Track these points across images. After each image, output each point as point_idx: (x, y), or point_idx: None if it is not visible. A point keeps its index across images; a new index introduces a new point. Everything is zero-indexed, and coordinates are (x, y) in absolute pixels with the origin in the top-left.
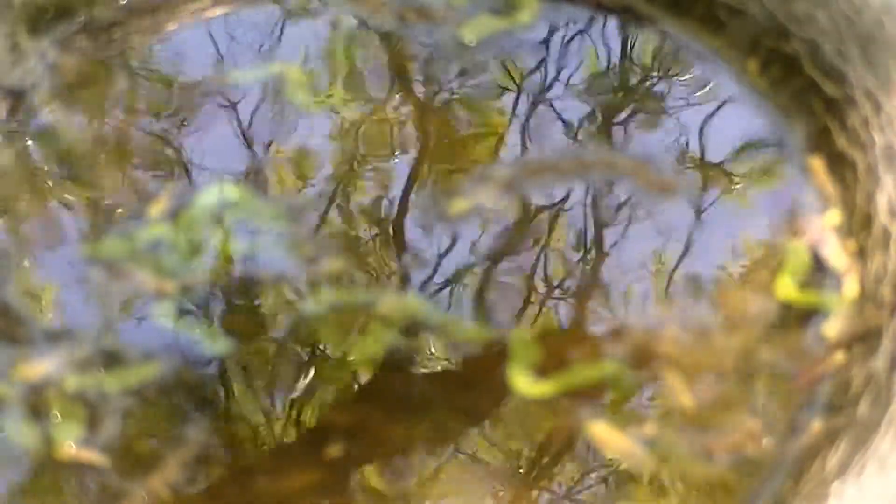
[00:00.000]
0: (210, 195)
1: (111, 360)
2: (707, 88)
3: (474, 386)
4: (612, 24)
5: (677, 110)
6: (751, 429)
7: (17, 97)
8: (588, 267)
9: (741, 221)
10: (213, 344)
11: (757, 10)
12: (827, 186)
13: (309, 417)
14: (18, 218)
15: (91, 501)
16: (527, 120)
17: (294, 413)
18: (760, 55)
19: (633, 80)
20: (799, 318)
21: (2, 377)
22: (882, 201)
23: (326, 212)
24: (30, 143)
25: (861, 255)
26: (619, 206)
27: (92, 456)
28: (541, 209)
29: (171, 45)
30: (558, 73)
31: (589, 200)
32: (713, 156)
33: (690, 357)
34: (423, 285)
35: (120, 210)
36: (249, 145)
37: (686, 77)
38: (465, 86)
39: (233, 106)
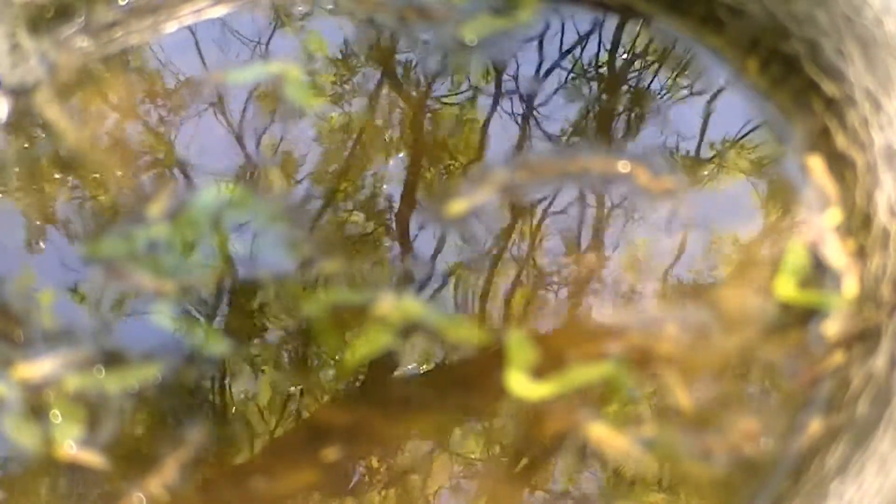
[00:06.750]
0: (209, 195)
1: (111, 360)
2: (707, 88)
3: (472, 387)
4: (612, 23)
5: (676, 110)
6: (750, 429)
7: (18, 97)
8: (585, 267)
9: (740, 221)
10: (211, 344)
11: (757, 9)
12: (826, 186)
13: (307, 418)
14: (18, 217)
15: (90, 501)
16: (525, 120)
17: (292, 414)
18: (760, 55)
19: (633, 79)
20: (798, 317)
21: (2, 377)
22: (881, 201)
23: (324, 212)
24: (30, 142)
25: (860, 254)
26: (617, 206)
27: (91, 456)
28: (539, 209)
29: (172, 45)
30: (558, 72)
31: (586, 200)
32: (712, 155)
33: (689, 357)
34: (421, 286)
35: (119, 210)
36: (248, 145)
37: (685, 76)
38: (463, 86)
39: (231, 105)
